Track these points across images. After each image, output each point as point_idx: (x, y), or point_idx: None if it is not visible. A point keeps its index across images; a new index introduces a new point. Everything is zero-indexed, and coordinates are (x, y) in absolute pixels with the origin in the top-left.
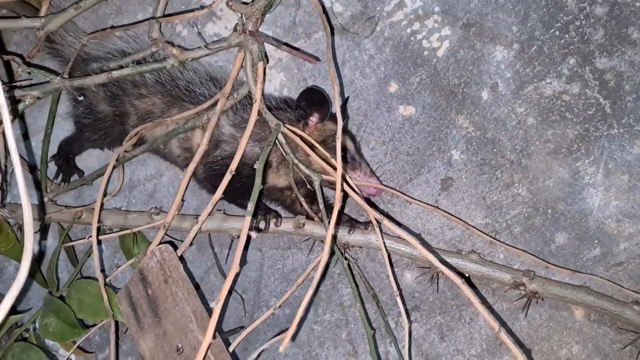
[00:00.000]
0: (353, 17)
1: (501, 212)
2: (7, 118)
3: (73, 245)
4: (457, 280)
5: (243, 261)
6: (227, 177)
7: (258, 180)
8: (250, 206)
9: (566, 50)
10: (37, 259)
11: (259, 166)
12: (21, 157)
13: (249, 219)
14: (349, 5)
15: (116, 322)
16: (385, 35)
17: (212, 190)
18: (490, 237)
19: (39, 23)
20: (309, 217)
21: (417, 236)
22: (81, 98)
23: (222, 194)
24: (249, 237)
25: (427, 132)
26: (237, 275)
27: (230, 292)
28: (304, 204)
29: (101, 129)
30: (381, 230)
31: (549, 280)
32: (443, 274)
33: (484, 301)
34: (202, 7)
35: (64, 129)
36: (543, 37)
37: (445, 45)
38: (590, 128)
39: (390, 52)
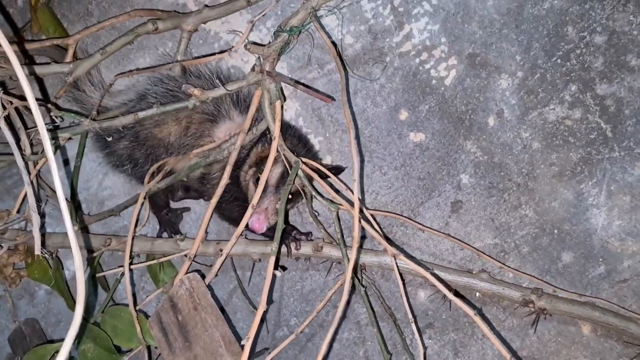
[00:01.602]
0: (364, 49)
1: (509, 233)
2: (54, 166)
3: (102, 269)
4: (470, 312)
5: (269, 300)
6: (248, 212)
7: (281, 220)
8: (275, 246)
9: (568, 78)
10: (67, 282)
11: (281, 207)
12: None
13: (273, 258)
14: (359, 37)
15: (149, 349)
16: (394, 65)
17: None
18: (500, 262)
19: (67, 68)
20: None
21: (431, 264)
22: (110, 139)
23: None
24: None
25: (436, 158)
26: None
27: (258, 331)
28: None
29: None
30: (397, 265)
31: (556, 297)
32: (456, 291)
33: (495, 317)
34: (222, 51)
35: (90, 159)
36: (545, 65)
37: (452, 74)
38: (592, 151)
39: (400, 81)
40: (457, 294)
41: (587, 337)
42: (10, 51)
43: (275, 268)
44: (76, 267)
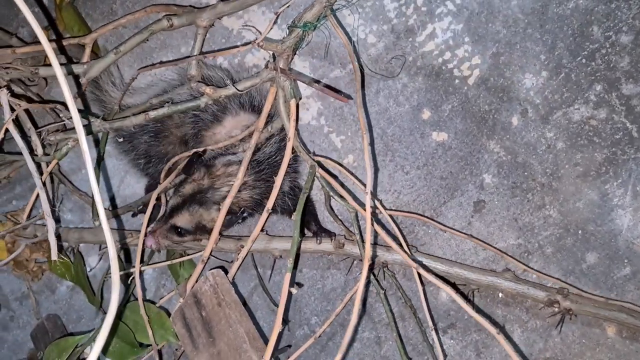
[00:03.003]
0: (386, 48)
1: (533, 233)
2: (89, 160)
3: (123, 265)
4: (493, 330)
5: (285, 320)
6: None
7: (296, 233)
8: (290, 262)
9: (593, 77)
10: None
11: (296, 218)
12: (79, 189)
13: (289, 275)
14: (382, 36)
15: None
16: (417, 64)
17: None
18: (523, 263)
19: (81, 69)
20: None
21: (453, 262)
22: (121, 140)
23: None
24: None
25: (459, 157)
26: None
27: (279, 337)
28: None
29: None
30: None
31: (582, 297)
32: (478, 291)
33: (518, 318)
34: (246, 43)
35: (112, 157)
36: (570, 65)
37: (475, 74)
38: (617, 152)
39: (422, 80)
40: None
41: (612, 339)
42: (49, 49)
43: (292, 285)
44: (111, 258)
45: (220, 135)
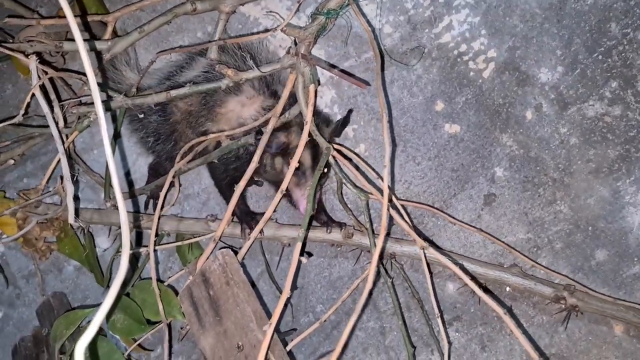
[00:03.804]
0: (402, 39)
1: (543, 228)
2: (109, 152)
3: (132, 246)
4: (500, 310)
5: (294, 286)
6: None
7: (309, 206)
8: (302, 233)
9: (609, 74)
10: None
11: (310, 192)
12: (92, 169)
13: (299, 245)
14: (398, 27)
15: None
16: (432, 56)
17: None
18: (531, 259)
19: (105, 46)
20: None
21: (461, 256)
22: (142, 115)
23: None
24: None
25: (471, 150)
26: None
27: (281, 316)
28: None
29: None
30: (425, 257)
31: (588, 295)
32: (485, 285)
33: (524, 313)
34: (267, 30)
35: (125, 138)
36: (586, 61)
37: (490, 67)
38: (631, 149)
39: (437, 72)
40: (486, 289)
41: (619, 338)
42: (73, 23)
43: (302, 254)
44: (123, 246)
45: (234, 112)
